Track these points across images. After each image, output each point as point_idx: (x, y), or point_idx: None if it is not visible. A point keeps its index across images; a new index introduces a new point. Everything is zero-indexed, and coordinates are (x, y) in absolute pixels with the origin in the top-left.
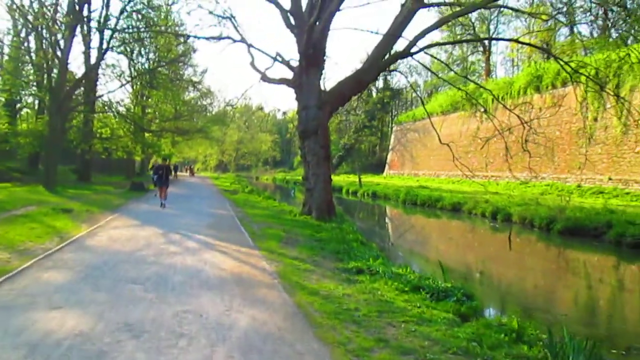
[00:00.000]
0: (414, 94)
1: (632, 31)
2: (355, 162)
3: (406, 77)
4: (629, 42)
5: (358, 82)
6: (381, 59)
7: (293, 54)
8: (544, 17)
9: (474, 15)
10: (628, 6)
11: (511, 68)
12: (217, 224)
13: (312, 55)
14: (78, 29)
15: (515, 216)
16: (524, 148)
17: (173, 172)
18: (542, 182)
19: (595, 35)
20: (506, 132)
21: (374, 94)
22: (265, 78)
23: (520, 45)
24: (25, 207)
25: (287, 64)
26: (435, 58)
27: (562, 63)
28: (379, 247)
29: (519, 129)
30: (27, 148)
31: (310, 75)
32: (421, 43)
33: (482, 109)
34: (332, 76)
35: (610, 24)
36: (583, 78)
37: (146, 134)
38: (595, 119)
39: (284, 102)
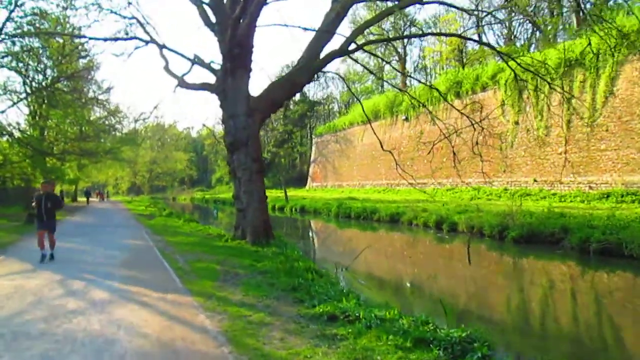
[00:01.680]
0: (331, 105)
1: (534, 39)
2: (277, 176)
3: (342, 77)
4: (532, 49)
5: (291, 85)
6: (315, 59)
7: (214, 56)
8: (478, 14)
9: (387, 25)
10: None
11: (424, 77)
12: (134, 260)
13: (238, 55)
14: None
15: (463, 225)
16: (474, 152)
17: (86, 198)
18: (468, 187)
19: (502, 44)
20: (447, 137)
21: (292, 107)
22: (183, 84)
23: (434, 52)
24: None
25: (208, 66)
26: (376, 55)
27: (505, 58)
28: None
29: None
30: None
31: (236, 78)
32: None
33: (427, 112)
34: (257, 84)
35: (513, 34)
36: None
37: (47, 158)
38: (517, 122)
39: (205, 114)
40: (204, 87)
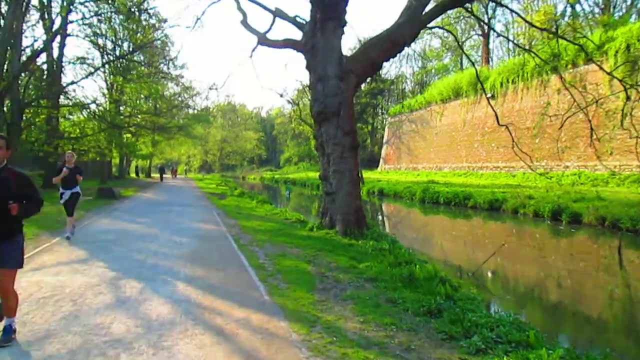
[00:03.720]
0: (404, 85)
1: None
2: None
3: (453, 33)
4: (633, 19)
5: (392, 43)
6: (422, 11)
7: (300, 10)
8: None
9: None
10: None
11: (506, 54)
12: (204, 252)
13: (330, 3)
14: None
15: (590, 216)
16: (622, 125)
17: (159, 175)
18: (566, 171)
19: (596, 14)
20: (583, 108)
21: (363, 86)
22: (263, 41)
23: (523, 26)
24: None
25: (293, 20)
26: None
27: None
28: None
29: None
30: None
31: (326, 33)
32: None
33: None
34: (348, 46)
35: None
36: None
37: (123, 133)
38: (628, 98)
39: (284, 83)
40: (287, 44)
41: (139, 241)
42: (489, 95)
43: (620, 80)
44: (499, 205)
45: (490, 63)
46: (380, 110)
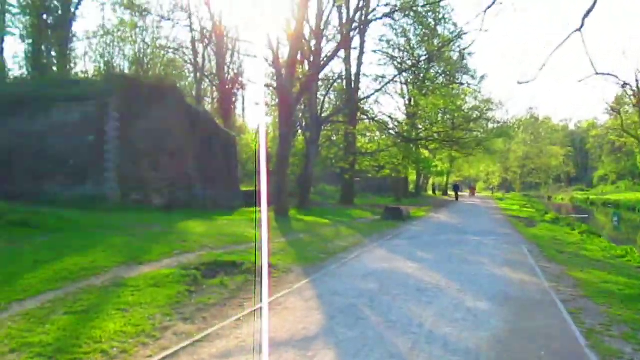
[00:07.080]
0: None
1: None
2: None
3: None
4: None
5: None
6: None
7: None
8: None
9: None
10: None
11: None
12: (517, 350)
13: None
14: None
15: None
16: None
17: (454, 193)
18: None
19: None
20: None
21: None
22: None
23: None
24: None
25: None
26: None
27: None
28: None
29: None
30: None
31: None
32: None
33: None
34: None
35: None
36: None
37: (420, 149)
38: None
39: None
40: None
41: (410, 300)
42: None
43: None
44: None
45: None
46: None
